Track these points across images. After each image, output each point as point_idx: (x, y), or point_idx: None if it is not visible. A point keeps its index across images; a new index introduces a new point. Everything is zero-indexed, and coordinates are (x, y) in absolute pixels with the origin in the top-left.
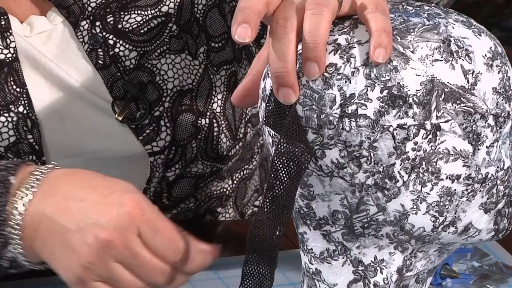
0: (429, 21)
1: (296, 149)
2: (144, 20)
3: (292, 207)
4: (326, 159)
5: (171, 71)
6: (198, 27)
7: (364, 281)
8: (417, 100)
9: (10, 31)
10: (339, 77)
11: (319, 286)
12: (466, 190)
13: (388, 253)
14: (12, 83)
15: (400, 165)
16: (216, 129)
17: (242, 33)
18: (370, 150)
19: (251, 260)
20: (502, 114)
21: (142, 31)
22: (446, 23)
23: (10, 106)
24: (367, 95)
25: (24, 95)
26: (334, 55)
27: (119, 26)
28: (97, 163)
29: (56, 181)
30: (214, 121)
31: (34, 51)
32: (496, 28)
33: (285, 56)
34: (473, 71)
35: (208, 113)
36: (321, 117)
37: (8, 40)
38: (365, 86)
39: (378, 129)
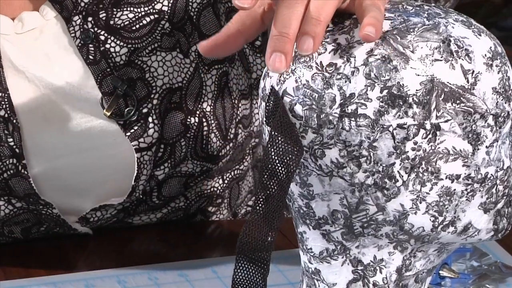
0: (429, 21)
1: (285, 150)
2: (137, 17)
3: (283, 209)
4: (325, 159)
5: (161, 68)
6: (192, 26)
7: (364, 281)
8: (417, 100)
9: None
10: (339, 76)
11: (318, 286)
12: (466, 190)
13: (388, 253)
14: None
15: (399, 165)
16: (205, 128)
17: None
18: (370, 149)
19: (242, 267)
20: (502, 114)
21: (134, 28)
22: (446, 23)
23: None
24: (367, 94)
25: (6, 99)
26: (334, 54)
27: (111, 22)
28: (83, 164)
29: None
30: (204, 120)
31: (20, 53)
32: (494, 28)
33: (290, 23)
34: (473, 71)
35: (197, 112)
36: (321, 117)
37: None
38: (365, 85)
39: (378, 128)
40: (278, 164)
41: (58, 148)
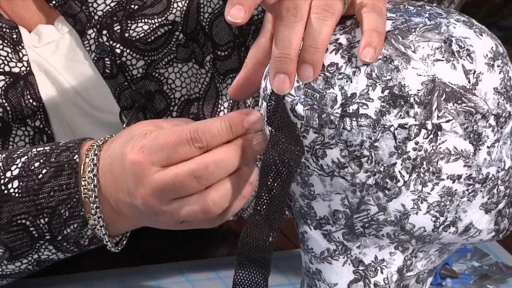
0: (430, 21)
1: (286, 150)
2: (151, 28)
3: (284, 210)
4: (327, 159)
5: (179, 80)
6: (204, 36)
7: (365, 281)
8: (418, 100)
9: (22, 44)
10: (340, 76)
11: (320, 286)
12: (467, 190)
13: (389, 253)
14: (28, 96)
15: (401, 165)
16: None
17: (235, 13)
18: (371, 149)
19: (243, 268)
20: (503, 114)
21: (149, 39)
22: (447, 23)
23: (27, 120)
24: (368, 94)
25: (41, 109)
26: (336, 54)
27: (126, 34)
28: None
29: (104, 162)
30: None
31: (45, 63)
32: (494, 28)
33: (291, 43)
34: (475, 71)
35: None
36: (322, 117)
37: (20, 53)
38: (366, 85)
39: (379, 128)
40: (279, 164)
41: None
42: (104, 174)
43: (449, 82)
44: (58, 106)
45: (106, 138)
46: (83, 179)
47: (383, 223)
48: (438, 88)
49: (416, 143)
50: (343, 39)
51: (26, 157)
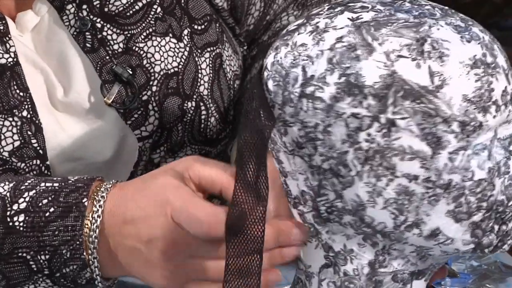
0: (415, 19)
1: (259, 120)
2: (129, 2)
3: (267, 179)
4: (288, 137)
5: (158, 54)
6: (181, 10)
7: (335, 268)
8: (373, 92)
9: (9, 35)
10: (305, 57)
11: (300, 266)
12: (427, 192)
13: (357, 244)
14: (15, 87)
15: (353, 154)
16: (204, 112)
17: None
18: (325, 134)
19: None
20: (471, 123)
21: (128, 13)
22: (433, 23)
23: (14, 111)
24: (325, 79)
25: (28, 99)
26: (309, 36)
27: (106, 9)
28: (98, 165)
29: (114, 202)
30: (201, 104)
31: (31, 53)
32: (495, 28)
33: None
34: (441, 74)
35: (194, 96)
36: (284, 94)
37: (7, 44)
38: (325, 69)
39: (333, 114)
40: (254, 132)
41: (76, 151)
42: (113, 215)
43: (409, 80)
44: (45, 95)
45: (115, 182)
46: (87, 218)
47: (342, 211)
48: (396, 83)
49: (368, 134)
50: (322, 23)
51: (34, 191)
